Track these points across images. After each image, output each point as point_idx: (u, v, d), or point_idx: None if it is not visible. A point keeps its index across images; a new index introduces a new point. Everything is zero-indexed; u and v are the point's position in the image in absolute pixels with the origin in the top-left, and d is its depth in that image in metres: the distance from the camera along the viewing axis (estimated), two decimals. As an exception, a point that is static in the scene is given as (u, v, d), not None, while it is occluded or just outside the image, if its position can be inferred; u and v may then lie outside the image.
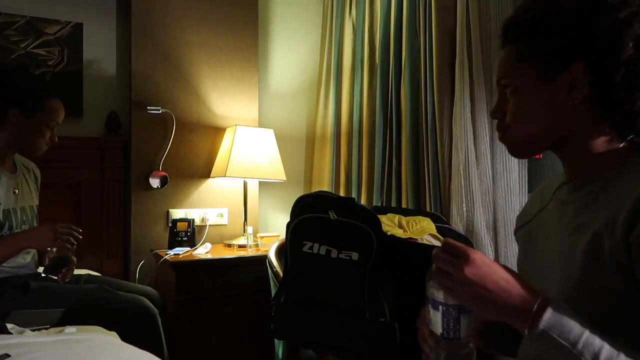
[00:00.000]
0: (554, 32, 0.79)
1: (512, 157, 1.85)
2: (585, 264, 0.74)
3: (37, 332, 1.52)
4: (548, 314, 0.67)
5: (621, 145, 0.79)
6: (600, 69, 0.76)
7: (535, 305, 0.68)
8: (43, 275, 1.79)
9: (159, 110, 2.51)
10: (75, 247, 1.70)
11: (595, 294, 0.73)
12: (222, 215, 2.68)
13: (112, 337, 1.54)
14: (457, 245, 0.73)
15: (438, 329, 0.74)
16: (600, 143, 0.80)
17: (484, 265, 0.71)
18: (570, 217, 0.81)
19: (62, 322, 1.63)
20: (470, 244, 1.74)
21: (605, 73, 0.76)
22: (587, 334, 0.66)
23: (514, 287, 0.70)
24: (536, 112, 0.81)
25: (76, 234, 1.68)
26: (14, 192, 1.79)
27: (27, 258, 1.83)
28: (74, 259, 1.81)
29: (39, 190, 1.98)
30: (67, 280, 1.80)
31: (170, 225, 2.51)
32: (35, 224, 1.87)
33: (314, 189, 2.81)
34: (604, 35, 0.76)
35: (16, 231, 1.74)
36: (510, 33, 0.85)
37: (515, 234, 1.03)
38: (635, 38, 0.75)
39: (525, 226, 0.97)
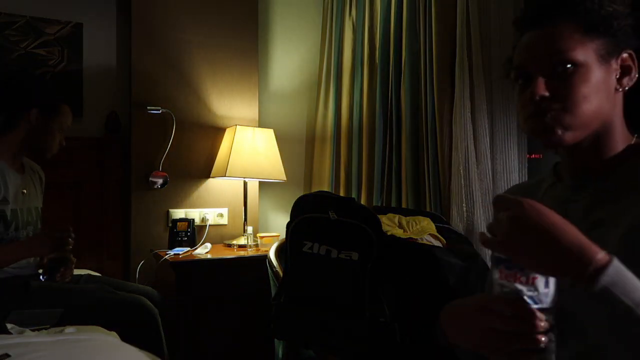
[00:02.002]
0: (620, 12, 0.78)
1: (513, 157, 1.86)
2: (623, 258, 0.69)
3: (37, 332, 1.52)
4: (612, 269, 0.62)
5: (633, 141, 0.80)
6: None
7: (596, 259, 0.62)
8: (42, 278, 1.80)
9: (159, 110, 2.51)
10: (70, 247, 1.72)
11: None
12: (222, 215, 2.68)
13: (112, 337, 1.54)
14: (506, 197, 0.68)
15: (549, 300, 0.65)
16: (620, 138, 0.80)
17: (535, 211, 0.65)
18: (580, 214, 0.79)
19: (62, 322, 1.63)
20: (470, 244, 1.74)
21: None
22: None
23: (570, 235, 0.64)
24: (594, 93, 0.77)
25: (70, 236, 1.69)
26: (22, 193, 1.80)
27: (29, 260, 1.84)
28: (74, 259, 1.83)
29: (43, 192, 1.99)
30: (66, 279, 1.81)
31: (170, 225, 2.51)
32: (38, 226, 1.89)
33: (314, 189, 2.81)
34: None
35: (21, 232, 1.76)
36: (570, 6, 0.79)
37: None
38: None
39: None
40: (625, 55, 0.79)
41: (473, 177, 1.92)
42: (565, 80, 0.77)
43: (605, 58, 0.77)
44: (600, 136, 0.80)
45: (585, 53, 0.77)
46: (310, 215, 1.53)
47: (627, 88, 0.79)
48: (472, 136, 1.94)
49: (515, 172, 1.86)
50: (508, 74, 0.89)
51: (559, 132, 0.77)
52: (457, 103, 1.98)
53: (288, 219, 1.61)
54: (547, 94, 0.77)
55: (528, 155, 1.86)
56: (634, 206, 0.73)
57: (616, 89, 0.79)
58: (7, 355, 1.20)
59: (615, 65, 0.78)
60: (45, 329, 1.57)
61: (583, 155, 0.82)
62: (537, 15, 0.81)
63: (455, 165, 1.98)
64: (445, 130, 2.05)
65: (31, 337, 1.42)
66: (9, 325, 1.52)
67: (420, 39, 2.19)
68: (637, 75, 0.79)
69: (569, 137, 0.77)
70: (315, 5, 3.00)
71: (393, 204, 2.32)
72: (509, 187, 1.85)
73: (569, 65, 0.77)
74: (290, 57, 2.99)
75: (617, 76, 0.79)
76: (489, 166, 1.90)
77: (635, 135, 0.82)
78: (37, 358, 1.21)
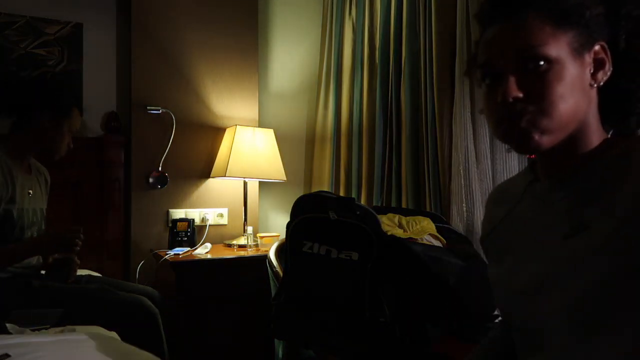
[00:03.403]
0: (590, 0, 0.72)
1: (513, 157, 1.86)
2: (616, 262, 0.64)
3: (37, 332, 1.52)
4: None
5: (608, 136, 0.76)
6: (622, 53, 0.72)
7: None
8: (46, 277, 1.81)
9: (159, 110, 2.51)
10: (78, 248, 1.72)
11: (633, 293, 0.63)
12: (222, 215, 2.68)
13: (112, 337, 1.54)
14: None
15: None
16: (596, 136, 0.75)
17: None
18: (560, 218, 0.73)
19: (62, 322, 1.63)
20: (470, 244, 1.74)
21: (627, 57, 0.72)
22: None
23: None
24: (570, 91, 0.70)
25: (80, 237, 1.70)
26: (28, 193, 1.81)
27: (32, 260, 1.84)
28: (78, 261, 1.84)
29: (48, 194, 2.00)
30: (70, 280, 1.82)
31: (170, 225, 2.51)
32: (42, 227, 1.89)
33: (314, 189, 2.81)
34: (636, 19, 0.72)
35: (26, 233, 1.77)
36: None
37: (481, 243, 0.93)
38: None
39: (492, 233, 0.88)
40: (597, 47, 0.72)
41: (473, 177, 1.92)
42: (539, 78, 0.70)
43: (578, 52, 0.71)
44: (576, 136, 0.73)
45: (558, 47, 0.70)
46: (310, 215, 1.53)
47: (601, 83, 0.73)
48: (472, 136, 1.94)
49: (515, 172, 1.86)
50: (472, 72, 0.81)
51: (536, 137, 0.70)
52: (457, 103, 1.98)
53: (288, 219, 1.61)
54: (520, 95, 0.70)
55: (528, 155, 1.86)
56: (618, 203, 0.67)
57: (590, 85, 0.72)
58: (7, 355, 1.20)
59: (588, 59, 0.72)
60: (45, 329, 1.57)
61: (558, 156, 0.76)
62: (502, 7, 0.73)
63: (455, 165, 1.98)
64: (445, 130, 2.05)
65: (31, 337, 1.41)
66: (9, 325, 1.52)
67: (420, 39, 2.19)
68: (611, 69, 0.73)
69: (546, 141, 0.71)
70: (315, 5, 3.00)
71: (393, 204, 2.32)
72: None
73: (541, 62, 0.69)
74: (290, 57, 2.99)
75: (591, 71, 0.72)
76: (489, 166, 1.91)
77: (610, 132, 0.77)
78: (37, 358, 1.20)
